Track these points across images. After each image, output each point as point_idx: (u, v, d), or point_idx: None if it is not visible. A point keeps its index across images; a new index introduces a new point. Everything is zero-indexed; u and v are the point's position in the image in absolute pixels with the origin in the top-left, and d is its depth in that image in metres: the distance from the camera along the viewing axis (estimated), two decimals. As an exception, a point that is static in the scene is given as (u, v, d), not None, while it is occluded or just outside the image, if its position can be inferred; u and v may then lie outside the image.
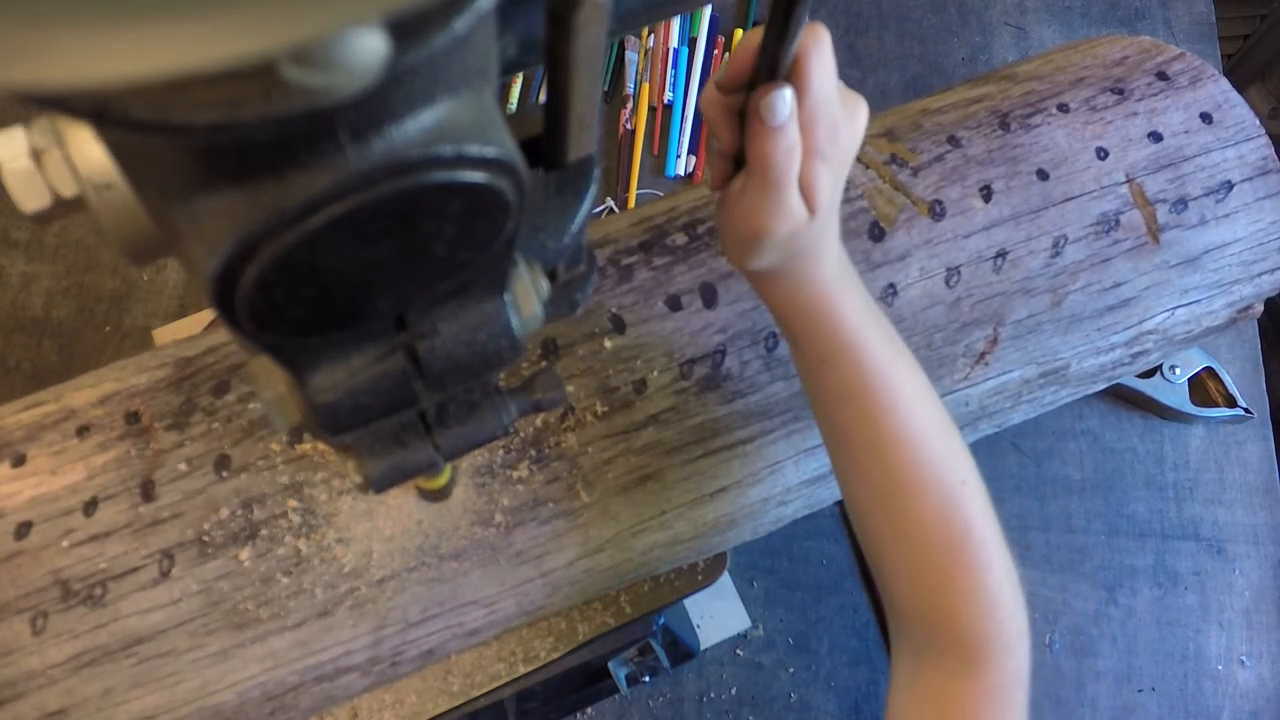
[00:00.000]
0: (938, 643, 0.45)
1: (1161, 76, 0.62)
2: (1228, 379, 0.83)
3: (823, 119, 0.36)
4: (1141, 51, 0.65)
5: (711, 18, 0.98)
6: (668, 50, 0.95)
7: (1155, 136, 0.60)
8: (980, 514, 0.44)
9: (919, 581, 0.45)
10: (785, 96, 0.35)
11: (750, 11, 1.00)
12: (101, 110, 0.15)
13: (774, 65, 0.35)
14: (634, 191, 0.91)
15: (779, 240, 0.39)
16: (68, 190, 0.21)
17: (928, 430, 0.44)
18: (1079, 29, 1.02)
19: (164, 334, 0.81)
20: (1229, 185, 0.60)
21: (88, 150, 0.21)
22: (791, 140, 0.36)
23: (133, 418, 0.51)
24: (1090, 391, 0.64)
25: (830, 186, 0.38)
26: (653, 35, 0.97)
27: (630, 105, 0.94)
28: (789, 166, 0.36)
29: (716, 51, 0.97)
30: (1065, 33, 1.02)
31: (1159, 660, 0.80)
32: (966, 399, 0.58)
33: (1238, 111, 0.62)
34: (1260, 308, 0.64)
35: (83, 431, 0.50)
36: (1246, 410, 0.83)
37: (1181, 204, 0.59)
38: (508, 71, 0.27)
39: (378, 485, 0.31)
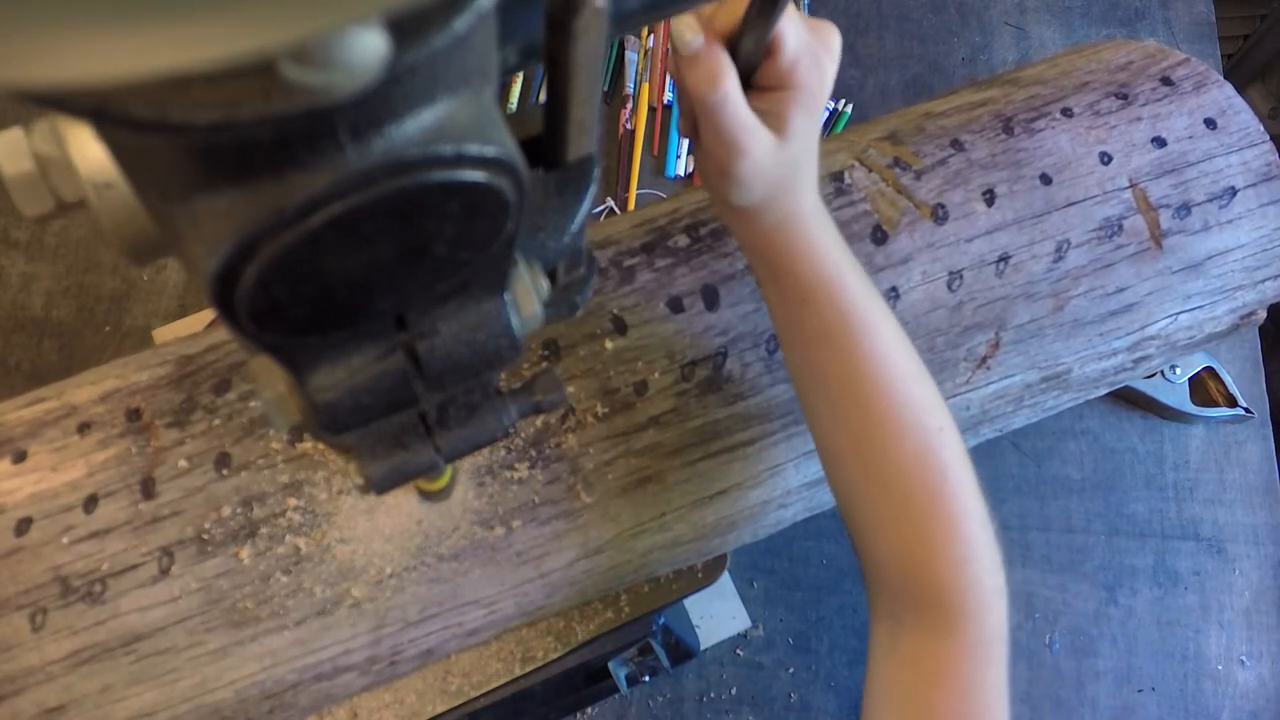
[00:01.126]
0: (914, 600, 0.45)
1: (1166, 82, 0.62)
2: (1228, 379, 0.83)
3: (804, 58, 0.37)
4: (1146, 56, 0.64)
5: (712, 18, 0.98)
6: (667, 50, 0.96)
7: (1159, 142, 0.60)
8: (957, 461, 0.44)
9: (895, 532, 0.45)
10: (690, 22, 0.36)
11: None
12: (101, 109, 0.15)
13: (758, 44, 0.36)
14: (634, 192, 0.91)
15: (751, 168, 0.39)
16: (70, 195, 0.22)
17: (905, 373, 0.44)
18: (1079, 29, 1.02)
19: (164, 334, 0.81)
20: (1233, 191, 0.60)
21: (88, 150, 0.21)
22: (711, 66, 0.36)
23: (134, 415, 0.51)
24: (1092, 396, 0.64)
25: (805, 111, 0.39)
26: (652, 35, 0.97)
27: (630, 105, 0.94)
28: (711, 91, 0.37)
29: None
30: (1065, 32, 1.02)
31: (1159, 660, 0.80)
32: (968, 403, 0.58)
33: (1242, 117, 0.61)
34: (1263, 314, 0.64)
35: (84, 428, 0.50)
36: (1247, 410, 0.83)
37: (1185, 209, 0.59)
38: (508, 73, 0.27)
39: (379, 487, 0.31)
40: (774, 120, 0.39)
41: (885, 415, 0.44)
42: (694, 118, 0.39)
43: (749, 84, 0.39)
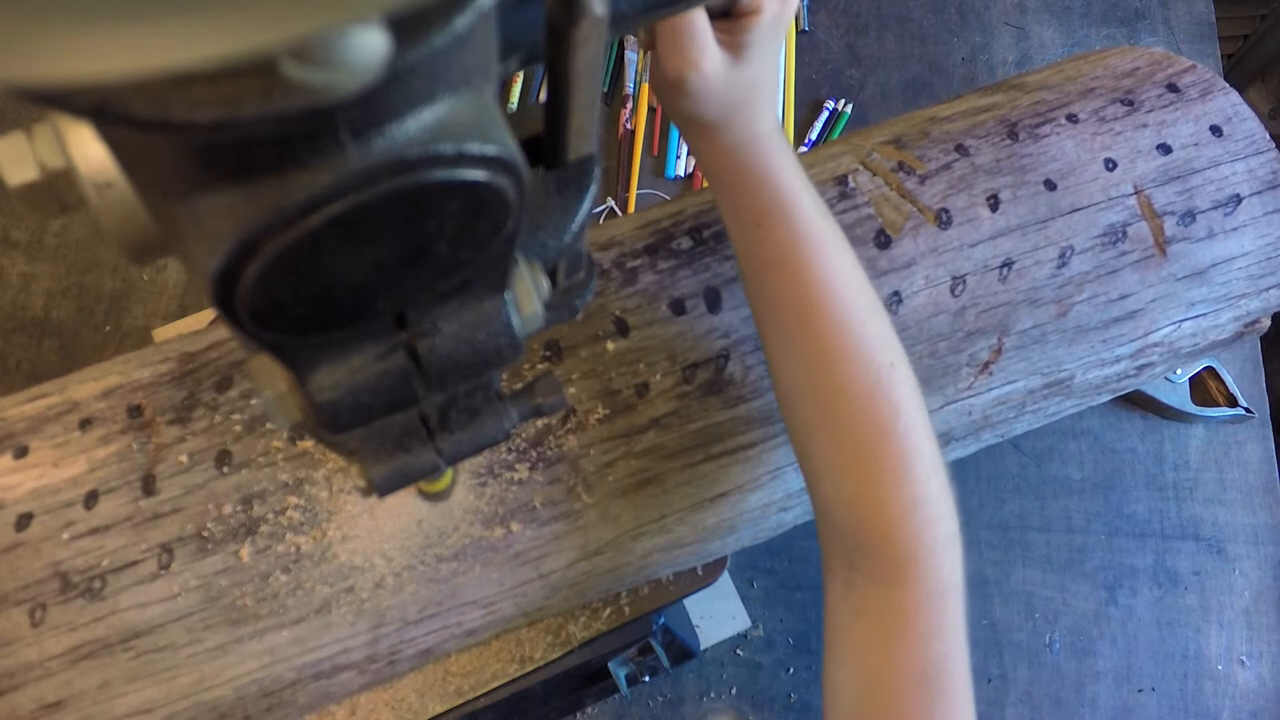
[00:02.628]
0: (867, 545, 0.44)
1: (1172, 88, 0.62)
2: (1228, 378, 0.84)
3: None
4: (1152, 63, 0.64)
5: (712, 17, 0.98)
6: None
7: (1164, 148, 0.60)
8: (909, 400, 0.44)
9: (845, 469, 0.45)
10: None
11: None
12: (102, 108, 0.15)
13: None
14: (634, 192, 0.91)
15: (701, 83, 0.40)
16: (74, 200, 0.22)
17: (859, 305, 0.44)
18: (1078, 29, 1.02)
19: (164, 334, 0.81)
20: (1237, 199, 0.59)
21: (88, 149, 0.21)
22: None
23: (135, 411, 0.51)
24: (1094, 403, 0.63)
25: (764, 35, 0.40)
26: (653, 35, 0.97)
27: (630, 105, 0.94)
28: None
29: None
30: (1065, 33, 1.02)
31: (1159, 660, 0.80)
32: (970, 408, 0.58)
33: (1248, 125, 0.61)
34: (1267, 322, 0.64)
35: (85, 424, 0.50)
36: (1247, 410, 0.83)
37: (1189, 217, 0.59)
38: (509, 73, 0.27)
39: (381, 489, 0.31)
40: (733, 42, 0.40)
41: (837, 347, 0.44)
42: (652, 28, 0.41)
43: (726, 14, 0.40)
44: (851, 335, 0.44)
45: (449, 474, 0.44)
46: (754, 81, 0.41)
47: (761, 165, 0.44)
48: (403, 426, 0.30)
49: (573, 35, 0.23)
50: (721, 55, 0.40)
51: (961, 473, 0.82)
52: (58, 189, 0.21)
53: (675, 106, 0.43)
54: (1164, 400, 0.83)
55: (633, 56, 0.95)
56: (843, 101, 0.96)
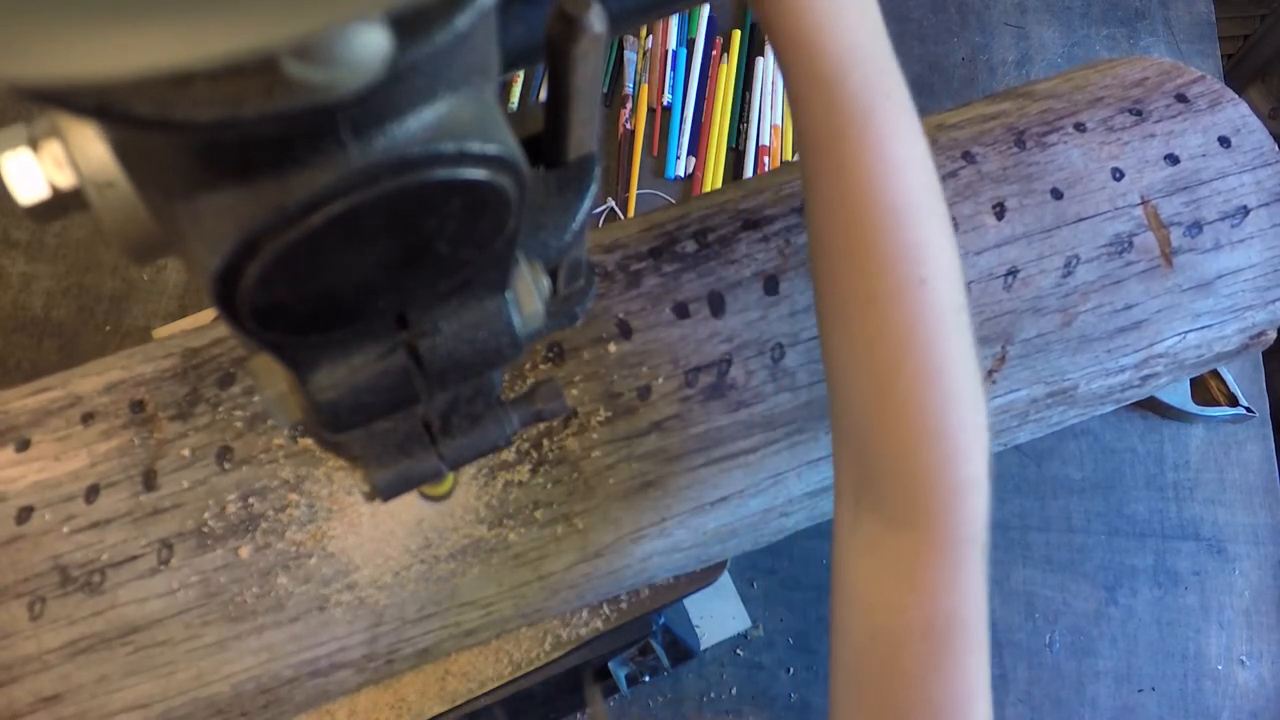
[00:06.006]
0: (874, 476, 0.39)
1: (1181, 99, 0.62)
2: (1229, 378, 0.84)
3: None
4: (1161, 73, 0.64)
5: (709, 18, 0.98)
6: (666, 51, 0.95)
7: (1172, 159, 0.60)
8: (933, 315, 0.38)
9: (860, 387, 0.39)
10: None
11: (748, 12, 1.00)
12: (103, 107, 0.15)
13: None
14: (634, 192, 0.91)
15: None
16: (75, 203, 0.22)
17: (908, 202, 0.39)
18: (1079, 29, 1.03)
19: (164, 334, 0.82)
20: (1245, 210, 0.59)
21: (89, 148, 0.21)
22: None
23: (137, 406, 0.51)
24: (1097, 413, 0.63)
25: None
26: (650, 36, 0.97)
27: (630, 105, 0.94)
28: None
29: (715, 52, 0.97)
30: (1065, 33, 1.02)
31: (1159, 660, 0.80)
32: (973, 416, 0.58)
33: (1256, 136, 0.61)
34: (1273, 334, 0.63)
35: (87, 418, 0.50)
36: (1248, 409, 0.83)
37: (1196, 227, 0.59)
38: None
39: (385, 493, 0.31)
40: None
41: (866, 243, 0.38)
42: None
43: None
44: (885, 234, 0.38)
45: (450, 476, 0.44)
46: None
47: (800, 34, 0.39)
48: (405, 431, 0.30)
49: (572, 52, 0.23)
50: None
51: (961, 473, 0.82)
52: (66, 201, 0.22)
53: None
54: (1164, 400, 0.83)
55: (632, 56, 0.95)
56: (843, 101, 0.96)
